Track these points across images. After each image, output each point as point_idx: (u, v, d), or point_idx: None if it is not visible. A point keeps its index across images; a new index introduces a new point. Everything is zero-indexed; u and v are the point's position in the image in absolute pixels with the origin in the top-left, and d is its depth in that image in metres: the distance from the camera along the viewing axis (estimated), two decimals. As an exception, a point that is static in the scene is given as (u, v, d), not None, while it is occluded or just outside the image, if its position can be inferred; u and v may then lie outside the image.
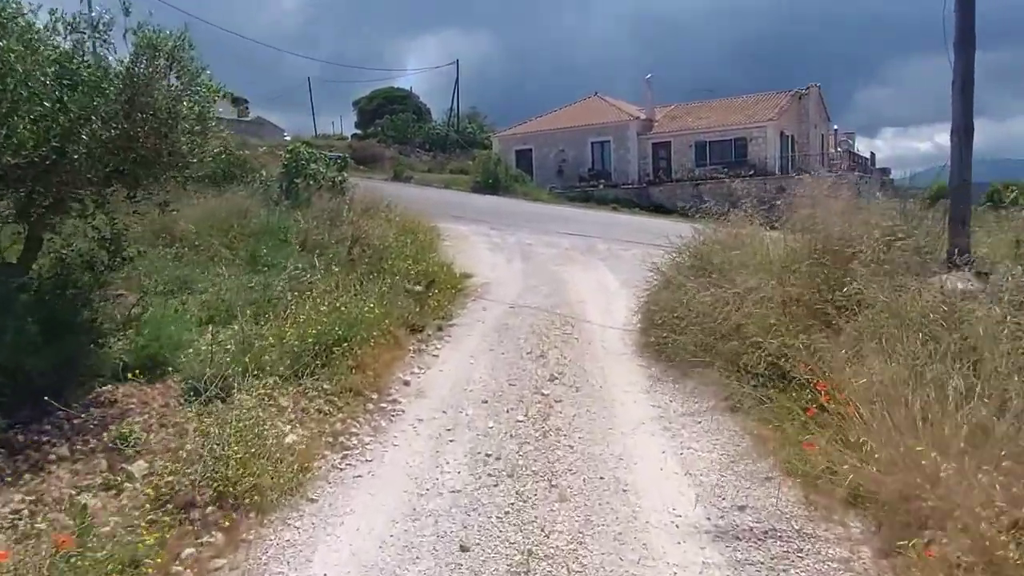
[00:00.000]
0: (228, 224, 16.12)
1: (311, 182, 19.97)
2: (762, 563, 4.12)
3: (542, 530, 4.53)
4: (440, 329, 9.88)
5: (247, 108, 66.04)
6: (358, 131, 62.47)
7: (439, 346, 9.13)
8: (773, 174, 34.74)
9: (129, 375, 6.80)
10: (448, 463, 5.61)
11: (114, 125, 5.97)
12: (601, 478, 5.28)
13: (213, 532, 4.43)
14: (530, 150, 41.79)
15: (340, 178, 21.58)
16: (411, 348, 8.77)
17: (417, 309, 10.09)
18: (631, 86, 45.27)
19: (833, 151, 40.48)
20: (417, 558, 4.26)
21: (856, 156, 34.23)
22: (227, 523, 4.51)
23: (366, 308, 8.24)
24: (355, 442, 5.92)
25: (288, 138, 51.19)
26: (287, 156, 21.59)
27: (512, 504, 4.88)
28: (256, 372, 7.18)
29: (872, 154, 37.44)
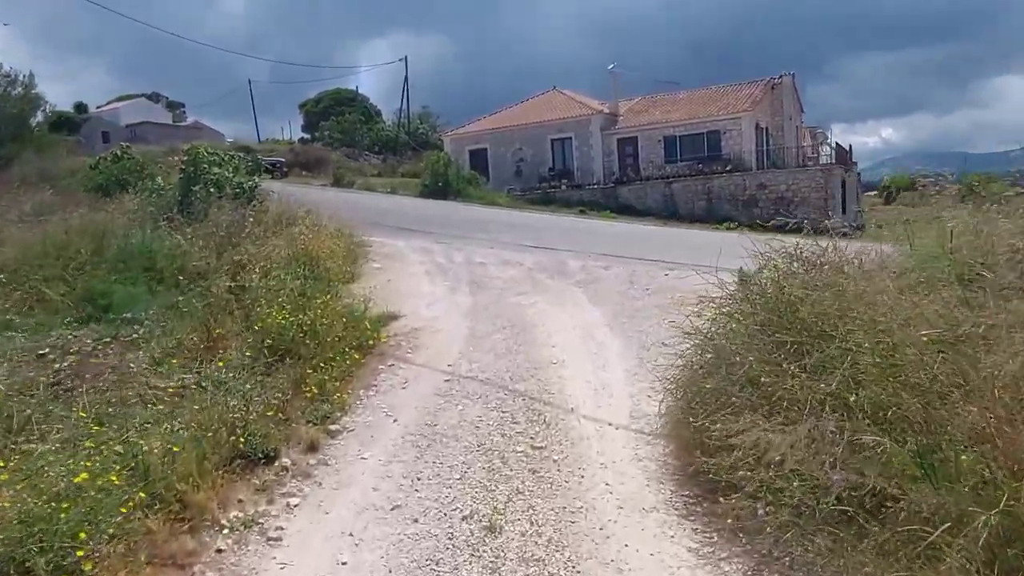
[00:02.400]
0: (75, 250, 11.47)
1: (212, 190, 15.31)
2: None
3: None
4: (311, 449, 5.30)
5: (184, 112, 60.47)
6: (305, 135, 57.45)
7: (296, 500, 4.55)
8: (750, 169, 30.79)
9: None
10: None
11: None
12: None
13: None
14: (485, 150, 37.25)
15: (250, 184, 16.94)
16: (224, 523, 4.17)
17: (273, 408, 5.53)
18: (591, 84, 41.12)
19: (807, 143, 36.77)
20: None
21: (840, 149, 30.47)
22: None
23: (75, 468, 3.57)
24: None
25: (229, 142, 46.18)
26: (184, 159, 16.93)
27: None
28: None
29: (850, 146, 33.72)
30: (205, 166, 16.19)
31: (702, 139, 32.78)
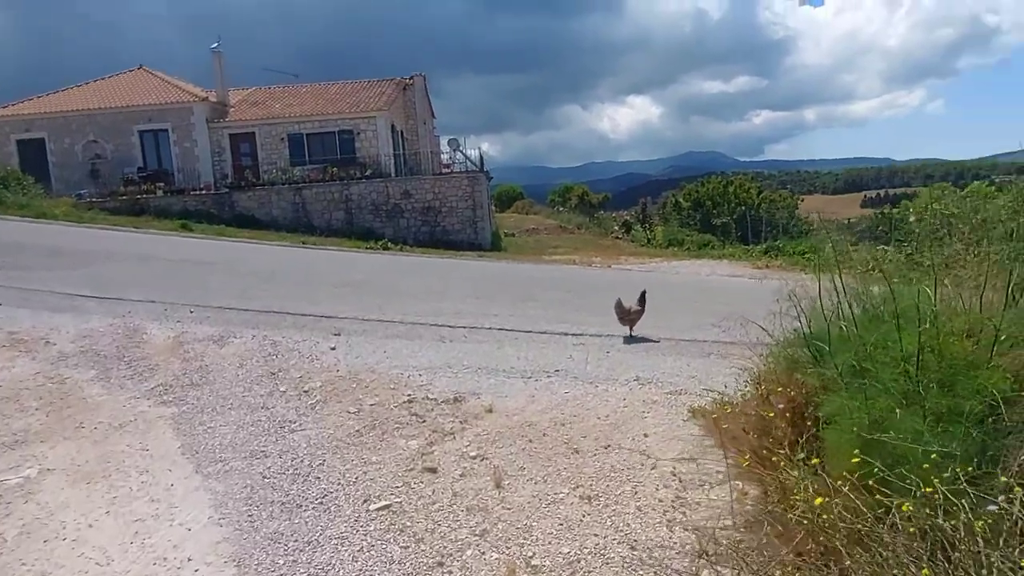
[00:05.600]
0: None
1: None
2: None
3: None
4: None
5: None
6: None
7: None
8: (390, 175, 26.47)
9: None
10: None
11: None
12: None
13: None
14: (42, 140, 26.77)
15: None
16: None
17: None
18: (190, 75, 32.63)
19: (443, 149, 33.93)
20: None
21: (481, 157, 27.85)
22: None
23: None
24: None
25: None
26: None
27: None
28: None
29: (483, 155, 31.60)
30: None
31: (333, 139, 27.51)
